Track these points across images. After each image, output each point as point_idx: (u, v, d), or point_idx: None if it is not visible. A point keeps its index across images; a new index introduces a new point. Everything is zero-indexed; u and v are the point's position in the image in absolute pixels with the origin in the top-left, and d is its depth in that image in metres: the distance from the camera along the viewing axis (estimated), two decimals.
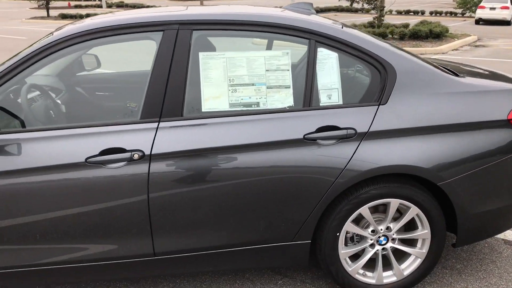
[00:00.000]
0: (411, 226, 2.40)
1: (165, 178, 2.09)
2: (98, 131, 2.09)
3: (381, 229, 2.34)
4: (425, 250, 2.38)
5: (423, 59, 2.44)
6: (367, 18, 17.32)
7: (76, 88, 3.05)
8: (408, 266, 2.41)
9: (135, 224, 2.13)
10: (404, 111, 2.22)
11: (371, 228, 2.34)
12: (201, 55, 2.19)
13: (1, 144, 2.04)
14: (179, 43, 2.17)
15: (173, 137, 2.10)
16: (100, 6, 41.45)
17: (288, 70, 2.24)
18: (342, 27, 2.37)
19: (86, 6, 43.83)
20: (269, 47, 2.68)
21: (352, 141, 2.18)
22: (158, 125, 2.11)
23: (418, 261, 2.40)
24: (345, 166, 2.16)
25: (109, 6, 40.44)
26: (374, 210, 2.36)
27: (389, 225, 2.35)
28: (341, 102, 2.24)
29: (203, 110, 2.17)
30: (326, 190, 2.18)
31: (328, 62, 2.25)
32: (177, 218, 2.15)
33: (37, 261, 2.13)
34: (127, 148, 2.07)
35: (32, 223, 2.07)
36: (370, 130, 2.19)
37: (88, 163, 2.04)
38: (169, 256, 2.22)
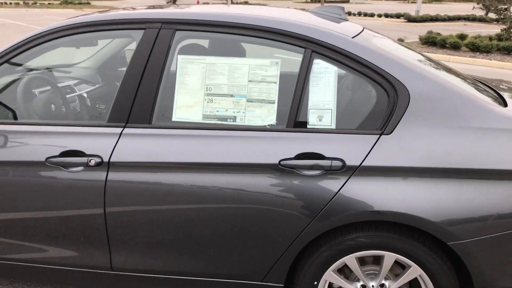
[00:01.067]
0: None
1: (122, 190, 1.91)
2: (62, 131, 1.98)
3: (373, 286, 1.90)
4: None
5: (467, 81, 1.93)
6: (497, 29, 15.52)
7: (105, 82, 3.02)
8: None
9: (92, 235, 1.99)
10: (413, 145, 1.77)
11: (361, 283, 1.91)
12: (180, 58, 1.97)
13: (11, 134, 2.02)
14: (158, 43, 1.97)
15: (136, 145, 1.91)
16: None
17: (275, 82, 1.91)
18: (355, 37, 1.96)
19: None
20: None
21: (340, 175, 1.78)
22: (122, 131, 1.94)
23: None
24: (327, 205, 1.78)
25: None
26: (368, 261, 1.93)
27: (384, 282, 1.90)
28: (333, 126, 1.85)
29: (173, 119, 1.94)
30: (302, 230, 1.82)
31: (324, 77, 1.88)
32: (135, 236, 1.96)
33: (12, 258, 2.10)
34: (86, 152, 1.93)
35: None
36: (363, 164, 1.77)
37: (47, 163, 1.94)
38: (127, 273, 2.04)
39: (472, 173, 1.73)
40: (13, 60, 2.10)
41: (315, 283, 1.90)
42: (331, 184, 1.78)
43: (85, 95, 2.66)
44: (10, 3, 32.02)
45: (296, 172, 1.81)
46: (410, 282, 1.93)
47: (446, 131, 1.77)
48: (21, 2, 32.57)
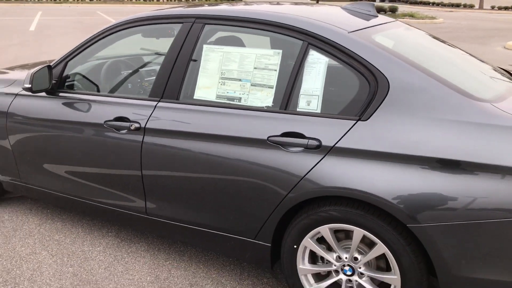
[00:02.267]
0: (388, 266, 2.06)
1: (153, 150, 2.40)
2: (118, 102, 2.55)
3: (346, 258, 2.10)
4: None
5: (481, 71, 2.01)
6: None
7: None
8: None
9: (133, 183, 2.53)
10: (385, 132, 1.92)
11: (337, 254, 2.13)
12: (205, 47, 2.38)
13: (77, 102, 2.70)
14: (190, 34, 2.42)
15: (166, 116, 2.38)
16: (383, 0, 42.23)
17: (276, 70, 2.21)
18: (353, 31, 2.16)
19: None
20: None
21: (317, 154, 2.03)
22: (157, 104, 2.43)
23: None
24: (302, 178, 2.04)
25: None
26: (345, 235, 2.13)
27: (356, 255, 2.08)
28: (318, 111, 2.09)
29: (194, 97, 2.37)
30: (283, 198, 2.11)
31: (316, 66, 2.12)
32: (162, 187, 2.45)
33: (76, 194, 2.78)
34: (130, 119, 2.46)
35: (68, 162, 2.71)
36: (336, 145, 1.99)
37: (105, 125, 2.53)
38: (156, 218, 2.55)
39: (437, 162, 1.83)
40: (93, 46, 2.74)
41: (295, 246, 2.17)
42: (308, 161, 2.04)
43: (140, 75, 3.19)
44: None
45: (281, 148, 2.09)
46: (385, 263, 2.08)
47: (419, 121, 1.89)
48: None
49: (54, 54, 9.56)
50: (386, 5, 26.02)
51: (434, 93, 1.91)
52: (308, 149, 2.04)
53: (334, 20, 2.26)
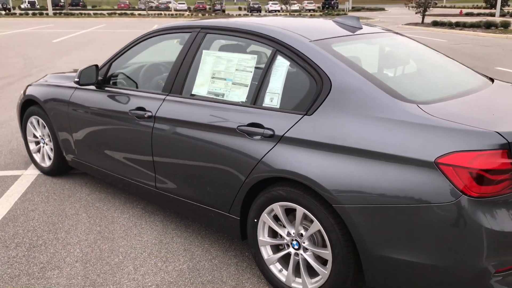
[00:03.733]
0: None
1: (160, 135, 2.96)
2: (140, 95, 3.16)
3: (293, 233, 2.44)
4: (327, 272, 2.31)
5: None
6: None
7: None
8: (315, 282, 2.40)
9: (147, 162, 3.11)
10: (323, 125, 2.26)
11: (287, 230, 2.47)
12: (204, 52, 2.89)
13: (120, 95, 3.36)
14: (195, 41, 2.94)
15: (169, 108, 2.93)
16: (493, 15, 39.78)
17: (251, 72, 2.64)
18: (316, 40, 2.51)
19: (478, 14, 42.70)
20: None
21: (271, 141, 2.41)
22: (166, 97, 2.99)
23: (322, 281, 2.36)
24: (259, 161, 2.44)
25: (503, 15, 38.45)
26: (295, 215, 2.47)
27: (302, 232, 2.42)
28: (278, 106, 2.48)
29: (192, 92, 2.89)
30: (246, 177, 2.52)
31: (280, 69, 2.51)
32: (164, 166, 2.99)
33: (110, 169, 3.44)
34: (146, 109, 3.05)
35: (101, 143, 3.38)
36: (285, 135, 2.36)
37: (129, 113, 3.15)
38: (163, 192, 3.09)
39: (357, 152, 2.12)
40: (131, 50, 3.39)
41: (255, 220, 2.56)
42: (264, 147, 2.43)
43: (161, 74, 3.74)
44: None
45: (246, 136, 2.51)
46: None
47: (350, 116, 2.20)
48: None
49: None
50: (498, 19, 24.47)
51: (366, 93, 2.20)
52: (264, 137, 2.43)
53: (307, 31, 2.63)
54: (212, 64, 2.83)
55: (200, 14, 48.17)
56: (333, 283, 2.30)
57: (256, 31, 2.68)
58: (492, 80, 2.90)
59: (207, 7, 59.66)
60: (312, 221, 2.36)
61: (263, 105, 2.54)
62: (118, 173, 3.40)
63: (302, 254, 2.44)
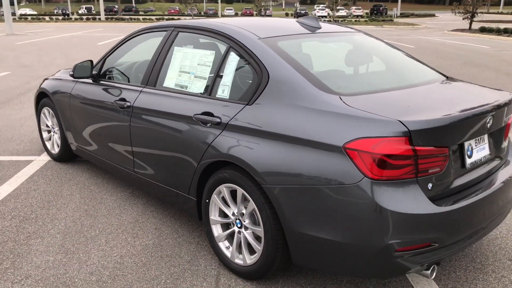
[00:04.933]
0: None
1: (136, 123, 3.28)
2: (124, 87, 3.50)
3: (236, 212, 2.68)
4: (261, 248, 2.53)
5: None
6: None
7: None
8: (253, 258, 2.62)
9: (126, 147, 3.44)
10: (259, 114, 2.49)
11: (232, 210, 2.71)
12: (175, 48, 3.18)
13: (109, 87, 3.73)
14: (169, 39, 3.25)
15: (144, 98, 3.24)
16: None
17: (209, 66, 2.90)
18: (264, 38, 2.75)
19: None
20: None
21: (218, 129, 2.67)
22: (142, 89, 3.31)
23: (257, 256, 2.57)
24: (208, 146, 2.70)
25: None
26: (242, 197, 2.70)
27: (243, 211, 2.65)
28: (227, 97, 2.73)
29: (163, 85, 3.19)
30: (199, 161, 2.79)
31: (231, 63, 2.76)
32: (139, 151, 3.31)
33: (100, 154, 3.80)
34: (126, 99, 3.38)
35: (94, 130, 3.74)
36: (229, 123, 2.61)
37: (114, 103, 3.50)
38: (139, 176, 3.41)
39: (282, 137, 2.33)
40: (121, 47, 3.75)
41: (207, 200, 2.82)
42: (213, 134, 2.68)
43: (142, 70, 4.05)
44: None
45: (200, 123, 2.78)
46: None
47: (281, 106, 2.42)
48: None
49: None
50: None
51: (295, 85, 2.42)
52: (213, 125, 2.69)
53: (261, 29, 2.87)
54: (180, 59, 3.12)
55: None
56: (265, 258, 2.51)
57: (215, 29, 2.95)
58: (447, 77, 3.02)
59: (254, 13, 60.59)
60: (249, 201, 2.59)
61: (216, 96, 2.80)
62: (107, 158, 3.76)
63: (243, 232, 2.67)
